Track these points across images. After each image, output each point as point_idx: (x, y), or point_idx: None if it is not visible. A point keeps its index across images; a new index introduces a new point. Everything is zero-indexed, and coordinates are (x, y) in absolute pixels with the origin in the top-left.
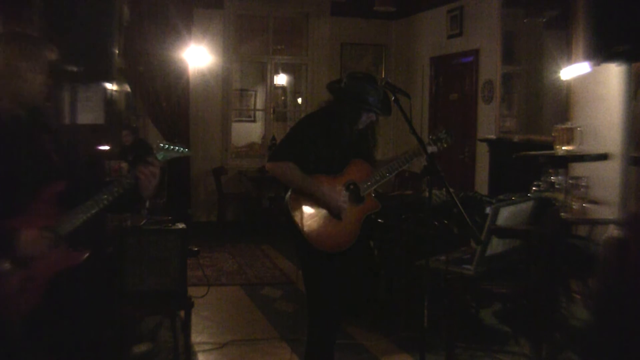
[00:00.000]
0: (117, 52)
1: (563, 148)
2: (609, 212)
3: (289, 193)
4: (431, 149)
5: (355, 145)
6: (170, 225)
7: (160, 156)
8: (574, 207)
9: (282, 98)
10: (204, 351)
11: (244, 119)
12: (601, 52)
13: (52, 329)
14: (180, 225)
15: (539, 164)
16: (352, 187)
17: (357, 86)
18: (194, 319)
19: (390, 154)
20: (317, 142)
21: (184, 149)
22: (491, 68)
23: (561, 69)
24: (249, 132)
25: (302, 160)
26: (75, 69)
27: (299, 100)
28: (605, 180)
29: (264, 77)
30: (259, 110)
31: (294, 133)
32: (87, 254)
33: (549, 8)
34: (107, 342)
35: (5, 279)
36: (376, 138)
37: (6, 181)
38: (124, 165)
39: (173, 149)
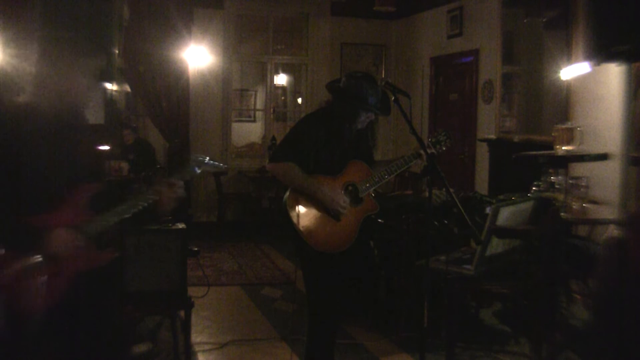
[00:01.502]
0: (117, 52)
1: (563, 148)
2: (609, 212)
3: (287, 193)
4: (430, 151)
5: (355, 145)
6: (170, 225)
7: (195, 170)
8: (574, 207)
9: (282, 98)
10: (204, 351)
11: (244, 119)
12: (601, 52)
13: (68, 327)
14: (180, 225)
15: (539, 164)
16: (350, 188)
17: (356, 86)
18: (194, 319)
19: (390, 154)
20: (317, 142)
21: (219, 163)
22: (491, 68)
23: (561, 69)
24: (249, 132)
25: (302, 160)
26: None
27: (299, 100)
28: (605, 180)
29: (264, 77)
30: (259, 110)
31: (294, 133)
32: (113, 256)
33: (549, 8)
34: (107, 342)
35: (33, 273)
36: (376, 138)
37: (43, 177)
38: (124, 165)
39: (209, 163)
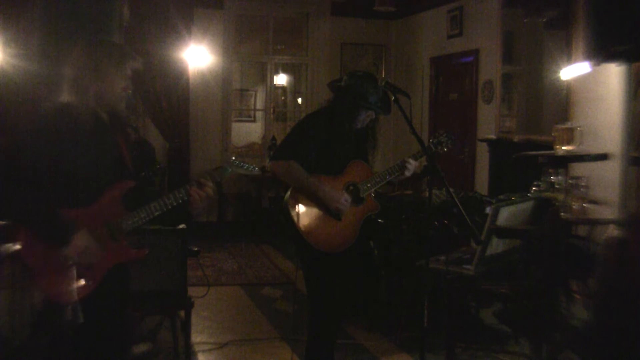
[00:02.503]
0: None
1: (563, 148)
2: (609, 212)
3: (288, 193)
4: (427, 145)
5: (356, 145)
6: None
7: (229, 171)
8: (574, 207)
9: (282, 98)
10: (204, 351)
11: (244, 119)
12: (601, 52)
13: (96, 319)
14: (180, 225)
15: (539, 164)
16: (351, 188)
17: (358, 84)
18: (194, 319)
19: (390, 154)
20: (318, 141)
21: (254, 167)
22: (491, 68)
23: (561, 69)
24: (249, 132)
25: (303, 159)
26: None
27: (299, 100)
28: (605, 180)
29: (264, 77)
30: (259, 110)
31: (296, 132)
32: (144, 253)
33: (549, 8)
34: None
35: (64, 265)
36: (377, 138)
37: (79, 174)
38: None
39: (242, 166)
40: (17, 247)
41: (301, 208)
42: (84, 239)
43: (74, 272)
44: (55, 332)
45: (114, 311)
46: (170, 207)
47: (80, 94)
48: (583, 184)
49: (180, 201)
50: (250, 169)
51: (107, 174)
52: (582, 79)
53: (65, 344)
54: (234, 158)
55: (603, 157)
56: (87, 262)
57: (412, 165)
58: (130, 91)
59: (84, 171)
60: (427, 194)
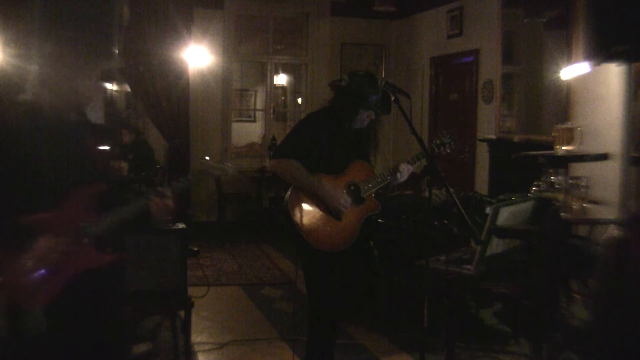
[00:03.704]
0: (117, 52)
1: (563, 148)
2: (609, 212)
3: (289, 192)
4: (430, 147)
5: (357, 145)
6: (170, 225)
7: (190, 181)
8: (574, 207)
9: (282, 98)
10: (204, 351)
11: (244, 119)
12: (601, 52)
13: (69, 326)
14: (180, 225)
15: (539, 164)
16: (352, 187)
17: (358, 83)
18: (194, 319)
19: (390, 154)
20: (319, 140)
21: (229, 166)
22: (491, 68)
23: (561, 69)
24: (249, 132)
25: (304, 158)
26: None
27: (299, 100)
28: (605, 180)
29: (264, 77)
30: (259, 110)
31: (296, 131)
32: (114, 258)
33: (549, 8)
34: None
35: (26, 270)
36: (378, 138)
37: (45, 176)
38: (124, 165)
39: (216, 166)
40: None
41: (302, 207)
42: (46, 244)
43: (37, 277)
44: (18, 338)
45: (90, 317)
46: (132, 215)
47: (47, 92)
48: (583, 184)
49: (141, 210)
50: (225, 169)
51: (73, 176)
52: (582, 79)
53: (28, 351)
54: (207, 158)
55: (603, 157)
56: (50, 267)
57: (406, 170)
58: (104, 91)
59: (45, 173)
60: (427, 194)
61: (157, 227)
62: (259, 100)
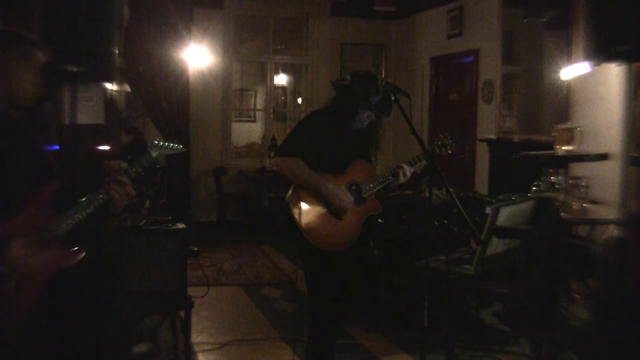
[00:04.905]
0: (117, 52)
1: (563, 148)
2: (609, 212)
3: (290, 192)
4: (430, 148)
5: (359, 145)
6: (170, 225)
7: (154, 153)
8: (574, 207)
9: (282, 98)
10: (204, 351)
11: (244, 119)
12: (601, 52)
13: (52, 330)
14: (180, 225)
15: (539, 164)
16: (354, 187)
17: (359, 84)
18: (194, 319)
19: (390, 154)
20: (321, 138)
21: (178, 145)
22: (491, 68)
23: (561, 69)
24: (249, 132)
25: (306, 156)
26: (75, 69)
27: (299, 100)
28: (605, 180)
29: (264, 77)
30: (259, 110)
31: (299, 129)
32: (82, 255)
33: (549, 8)
34: (107, 342)
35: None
36: (379, 139)
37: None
38: (124, 165)
39: (167, 145)
40: None
41: (303, 206)
42: (13, 250)
43: (9, 286)
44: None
45: (97, 315)
46: (92, 208)
47: None
48: (583, 184)
49: (102, 201)
50: (175, 147)
51: (28, 178)
52: (582, 79)
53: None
54: (156, 141)
55: (603, 157)
56: (22, 273)
57: (407, 170)
58: (43, 84)
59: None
60: (427, 194)
61: (120, 215)
62: (259, 100)
